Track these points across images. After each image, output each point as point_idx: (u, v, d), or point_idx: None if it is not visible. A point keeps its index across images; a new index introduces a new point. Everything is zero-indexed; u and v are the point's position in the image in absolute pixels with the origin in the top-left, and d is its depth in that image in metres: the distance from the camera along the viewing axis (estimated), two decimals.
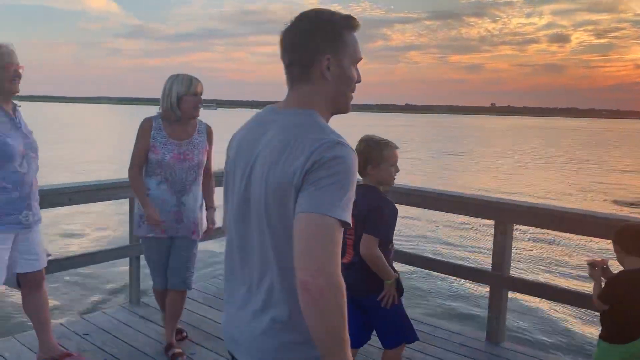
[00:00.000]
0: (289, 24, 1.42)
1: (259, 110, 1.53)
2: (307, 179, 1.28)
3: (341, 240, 1.27)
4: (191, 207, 3.22)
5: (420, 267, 4.58)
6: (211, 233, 3.45)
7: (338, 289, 1.21)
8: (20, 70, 2.81)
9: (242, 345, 1.44)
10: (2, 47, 2.76)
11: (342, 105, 1.46)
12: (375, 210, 2.55)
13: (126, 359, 3.22)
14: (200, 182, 3.28)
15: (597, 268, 2.65)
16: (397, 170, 2.67)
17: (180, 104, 3.09)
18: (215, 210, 3.41)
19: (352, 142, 1.56)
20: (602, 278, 2.65)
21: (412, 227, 11.17)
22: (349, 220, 1.27)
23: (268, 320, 1.37)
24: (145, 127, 3.14)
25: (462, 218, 10.54)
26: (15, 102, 2.92)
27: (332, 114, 1.47)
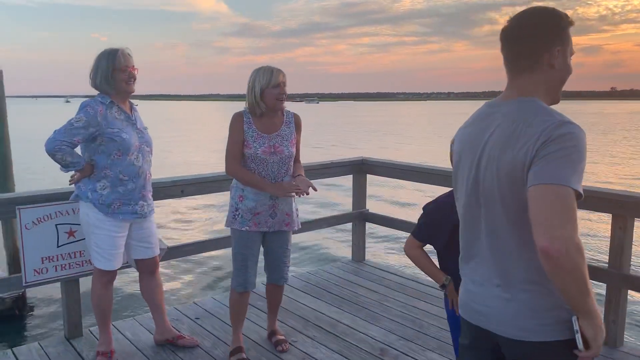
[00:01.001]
0: (513, 20, 1.57)
1: (479, 106, 1.68)
2: (537, 155, 1.40)
3: (576, 209, 1.36)
4: (284, 200, 3.17)
5: None
6: (306, 182, 3.12)
7: (578, 250, 1.33)
8: (135, 72, 3.03)
9: (494, 319, 1.59)
10: (118, 51, 2.99)
11: (558, 94, 1.61)
12: (423, 213, 2.38)
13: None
14: (291, 174, 3.20)
15: None
16: None
17: (264, 97, 3.05)
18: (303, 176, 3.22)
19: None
20: None
21: None
22: (581, 191, 1.38)
23: (513, 297, 1.53)
24: (238, 120, 3.11)
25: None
26: (132, 101, 3.16)
27: (550, 103, 1.57)
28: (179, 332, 3.42)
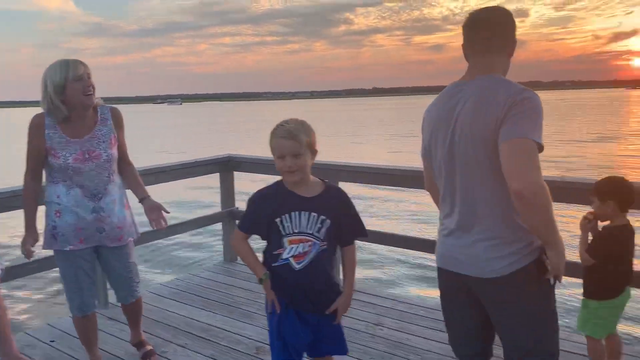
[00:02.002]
0: (481, 12, 1.94)
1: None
2: (506, 116, 1.72)
3: (538, 158, 1.69)
4: (112, 210, 2.79)
5: None
6: (163, 223, 2.88)
7: (544, 191, 1.65)
8: None
9: (471, 264, 1.89)
10: None
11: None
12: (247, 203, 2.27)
13: None
14: (117, 179, 2.86)
15: (590, 222, 2.64)
16: (289, 165, 2.06)
17: (66, 96, 2.62)
18: (150, 197, 2.92)
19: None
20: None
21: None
22: (542, 143, 1.71)
23: (484, 241, 1.84)
24: (36, 125, 2.67)
25: None
26: None
27: None
28: (32, 359, 3.06)
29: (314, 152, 2.11)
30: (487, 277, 1.86)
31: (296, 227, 2.11)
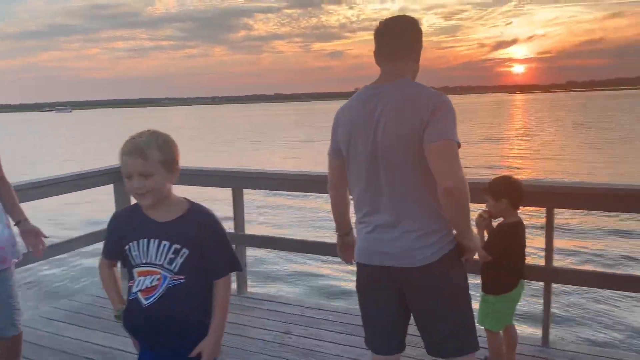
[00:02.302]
0: (393, 20, 2.07)
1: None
2: (431, 119, 1.87)
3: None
4: None
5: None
6: (41, 248, 2.64)
7: (468, 187, 1.85)
8: None
9: (399, 255, 2.00)
10: None
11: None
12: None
13: None
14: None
15: (485, 220, 2.76)
16: (136, 186, 1.75)
17: None
18: (28, 221, 2.63)
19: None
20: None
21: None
22: (460, 142, 1.88)
23: (410, 233, 1.98)
24: None
25: None
26: None
27: None
28: None
29: (173, 170, 1.79)
30: (419, 265, 1.98)
31: (144, 256, 1.79)
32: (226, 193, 4.08)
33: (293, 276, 7.36)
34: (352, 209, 2.25)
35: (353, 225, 2.29)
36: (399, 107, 1.95)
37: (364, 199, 2.08)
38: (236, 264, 1.93)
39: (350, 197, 2.22)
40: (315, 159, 22.37)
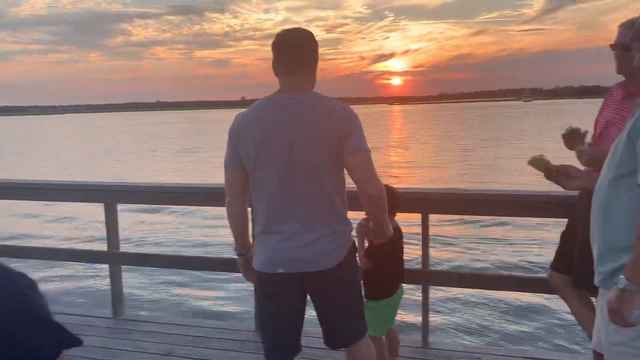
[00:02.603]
0: (291, 33, 2.14)
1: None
2: (349, 131, 2.06)
3: None
4: None
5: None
6: None
7: (384, 190, 2.12)
8: None
9: (309, 261, 2.10)
10: None
11: None
12: None
13: None
14: None
15: (365, 227, 2.78)
16: None
17: None
18: None
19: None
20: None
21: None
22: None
23: (324, 238, 2.10)
24: None
25: None
26: None
27: None
28: None
29: None
30: (330, 267, 2.11)
31: None
32: (98, 208, 3.81)
33: (173, 295, 7.00)
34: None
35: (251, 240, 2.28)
36: (315, 119, 2.07)
37: (275, 207, 2.12)
38: (67, 339, 1.31)
39: (250, 208, 2.23)
40: (199, 170, 21.85)
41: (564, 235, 2.84)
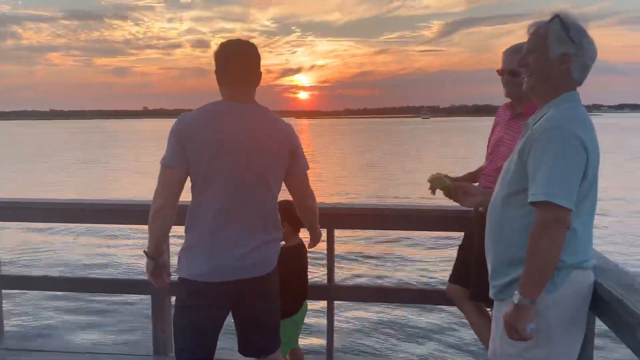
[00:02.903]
0: (239, 45, 2.19)
1: (219, 104, 2.19)
2: (294, 147, 2.24)
3: None
4: None
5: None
6: None
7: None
8: None
9: (248, 268, 2.18)
10: None
11: None
12: None
13: None
14: None
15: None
16: None
17: None
18: None
19: None
20: None
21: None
22: None
23: (265, 244, 2.23)
24: None
25: None
26: None
27: None
28: None
29: None
30: (266, 273, 2.24)
31: None
32: None
33: (62, 321, 6.43)
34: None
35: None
36: (270, 132, 2.19)
37: (223, 213, 2.14)
38: None
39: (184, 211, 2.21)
40: (90, 183, 20.69)
41: (461, 249, 2.96)
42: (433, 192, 2.47)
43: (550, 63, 1.86)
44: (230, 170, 2.11)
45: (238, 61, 2.18)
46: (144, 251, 2.23)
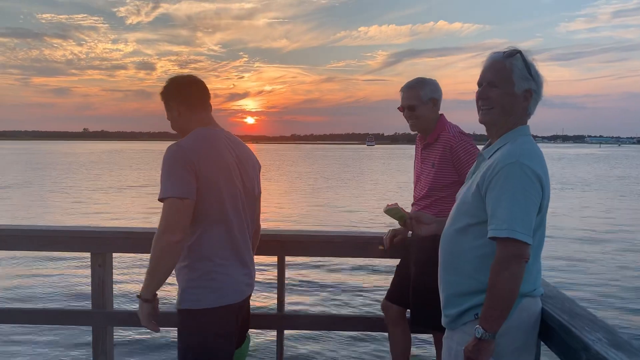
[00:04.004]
0: (193, 75, 2.37)
1: (208, 129, 2.27)
2: (259, 174, 2.46)
3: None
4: None
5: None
6: None
7: None
8: None
9: (250, 288, 2.35)
10: None
11: None
12: None
13: None
14: None
15: None
16: None
17: None
18: None
19: None
20: None
21: None
22: None
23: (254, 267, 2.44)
24: None
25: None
26: None
27: None
28: None
29: None
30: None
31: None
32: None
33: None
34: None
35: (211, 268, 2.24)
36: (250, 154, 2.38)
37: (236, 238, 2.23)
38: None
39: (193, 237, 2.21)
40: (34, 210, 19.72)
41: (399, 270, 3.06)
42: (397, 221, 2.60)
43: (515, 98, 1.90)
44: (237, 195, 2.23)
45: (204, 87, 2.35)
46: (139, 295, 2.11)
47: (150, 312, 2.14)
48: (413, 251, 2.85)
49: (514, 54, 1.91)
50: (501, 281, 1.71)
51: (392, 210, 2.50)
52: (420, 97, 2.88)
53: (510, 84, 1.89)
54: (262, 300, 6.94)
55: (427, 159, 2.90)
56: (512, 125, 1.93)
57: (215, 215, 2.15)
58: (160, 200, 2.06)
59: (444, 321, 2.01)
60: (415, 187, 3.04)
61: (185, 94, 2.29)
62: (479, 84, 1.99)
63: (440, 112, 2.98)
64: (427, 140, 2.91)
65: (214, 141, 2.21)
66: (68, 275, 9.32)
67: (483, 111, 1.96)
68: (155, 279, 2.07)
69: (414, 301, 2.79)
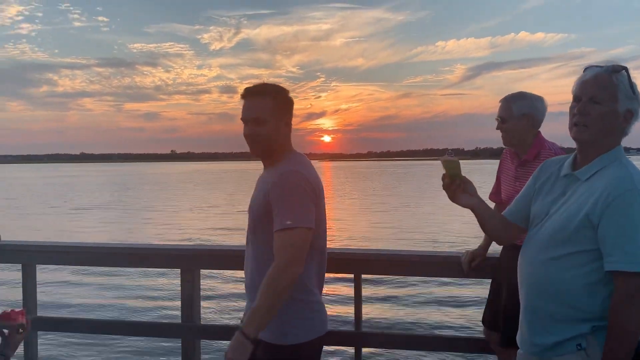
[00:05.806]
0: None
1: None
2: None
3: None
4: None
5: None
6: None
7: None
8: None
9: None
10: None
11: None
12: None
13: None
14: None
15: None
16: None
17: None
18: None
19: None
20: None
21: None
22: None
23: None
24: None
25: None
26: None
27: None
28: None
29: None
30: None
31: None
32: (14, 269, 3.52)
33: None
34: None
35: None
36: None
37: (324, 264, 2.25)
38: None
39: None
40: (125, 227, 20.94)
41: (493, 297, 2.90)
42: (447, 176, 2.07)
43: (617, 117, 1.78)
44: (325, 221, 2.22)
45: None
46: (244, 331, 1.90)
47: (248, 352, 1.90)
48: (504, 275, 2.72)
49: (619, 70, 1.76)
50: (631, 317, 1.64)
51: (452, 164, 2.07)
52: (512, 111, 2.74)
53: (614, 101, 1.75)
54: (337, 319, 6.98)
55: (525, 177, 2.60)
56: (610, 146, 1.81)
57: (319, 247, 2.16)
58: (286, 228, 1.94)
59: (530, 349, 1.90)
60: (501, 203, 2.86)
61: (292, 111, 2.17)
62: (577, 97, 1.82)
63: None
64: (525, 157, 2.72)
65: (314, 170, 2.17)
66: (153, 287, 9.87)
67: (579, 128, 1.81)
68: (270, 316, 1.91)
69: (505, 322, 2.67)
